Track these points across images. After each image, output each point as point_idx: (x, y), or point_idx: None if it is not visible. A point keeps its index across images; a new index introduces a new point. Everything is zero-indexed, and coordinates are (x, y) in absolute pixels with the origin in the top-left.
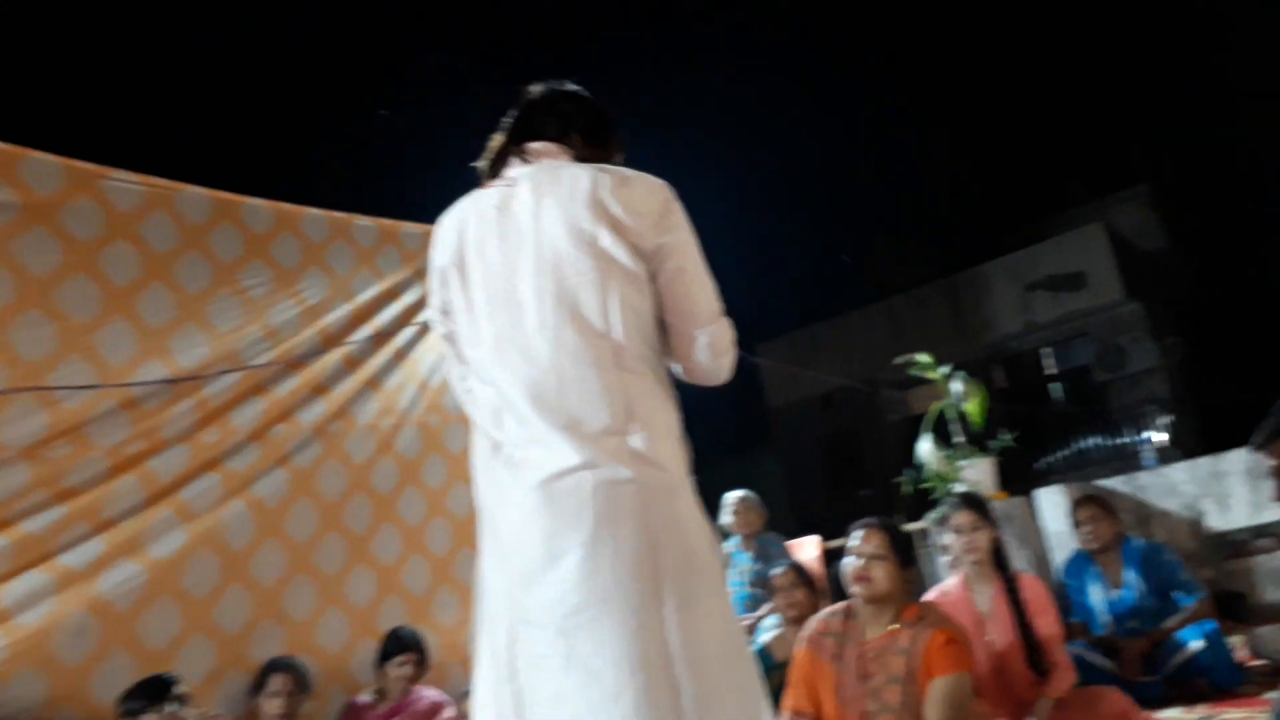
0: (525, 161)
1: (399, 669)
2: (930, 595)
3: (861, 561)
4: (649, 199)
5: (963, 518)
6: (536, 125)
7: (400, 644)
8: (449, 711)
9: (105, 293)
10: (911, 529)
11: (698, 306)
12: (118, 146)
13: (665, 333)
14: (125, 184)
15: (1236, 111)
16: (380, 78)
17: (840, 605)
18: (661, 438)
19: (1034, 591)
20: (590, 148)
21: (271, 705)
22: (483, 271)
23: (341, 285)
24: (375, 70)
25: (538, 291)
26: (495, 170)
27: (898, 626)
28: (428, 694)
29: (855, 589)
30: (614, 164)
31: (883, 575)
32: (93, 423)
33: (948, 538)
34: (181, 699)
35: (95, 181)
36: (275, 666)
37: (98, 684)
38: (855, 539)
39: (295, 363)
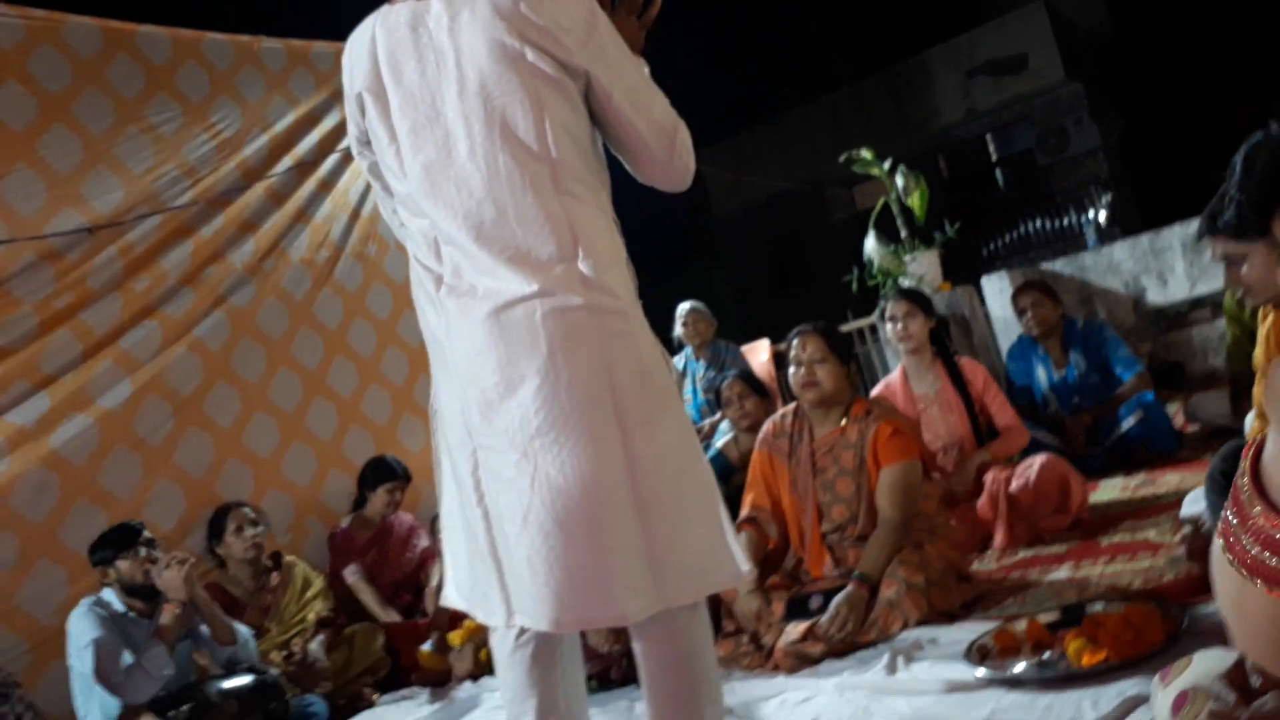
0: None
1: (389, 495)
2: (875, 390)
3: (803, 369)
4: (570, 11)
5: (896, 307)
6: None
7: (390, 472)
8: (423, 536)
9: (2, 139)
10: (861, 325)
11: (649, 122)
12: None
13: (617, 151)
14: (4, 18)
15: None
16: None
17: (790, 407)
18: (608, 264)
19: (975, 372)
20: None
21: (240, 540)
22: (401, 97)
23: (255, 114)
24: None
25: (464, 115)
26: None
27: (846, 423)
28: (404, 518)
29: (804, 395)
30: None
31: (826, 376)
32: (13, 278)
33: (887, 329)
34: (150, 543)
35: None
36: (223, 510)
37: (68, 536)
38: (795, 347)
39: (217, 200)
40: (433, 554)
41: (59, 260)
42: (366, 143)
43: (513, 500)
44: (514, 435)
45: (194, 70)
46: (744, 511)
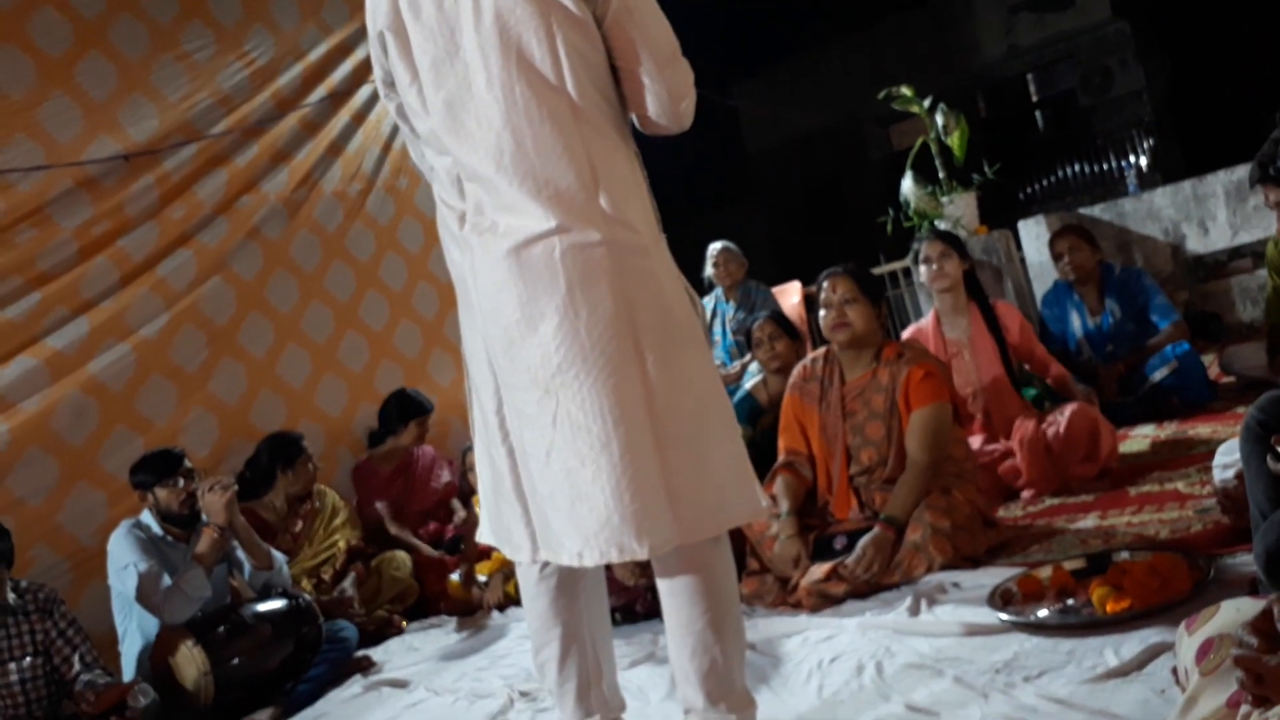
0: None
1: (418, 428)
2: (906, 333)
3: (834, 311)
4: None
5: (930, 248)
6: None
7: (419, 407)
8: (445, 467)
9: (39, 65)
10: (894, 269)
11: (650, 47)
12: None
13: (620, 82)
14: None
15: None
16: None
17: (820, 351)
18: (629, 196)
19: (1011, 317)
20: None
21: (305, 474)
22: (421, 33)
23: (289, 43)
24: None
25: (481, 47)
26: None
27: (877, 366)
28: (427, 450)
29: (835, 336)
30: None
31: (857, 316)
32: (52, 204)
33: (921, 270)
34: (189, 474)
35: None
36: (295, 443)
37: (107, 460)
38: (824, 289)
39: (251, 130)
40: (455, 485)
41: (96, 187)
42: (391, 84)
43: (535, 437)
44: (535, 372)
45: None
46: (781, 457)
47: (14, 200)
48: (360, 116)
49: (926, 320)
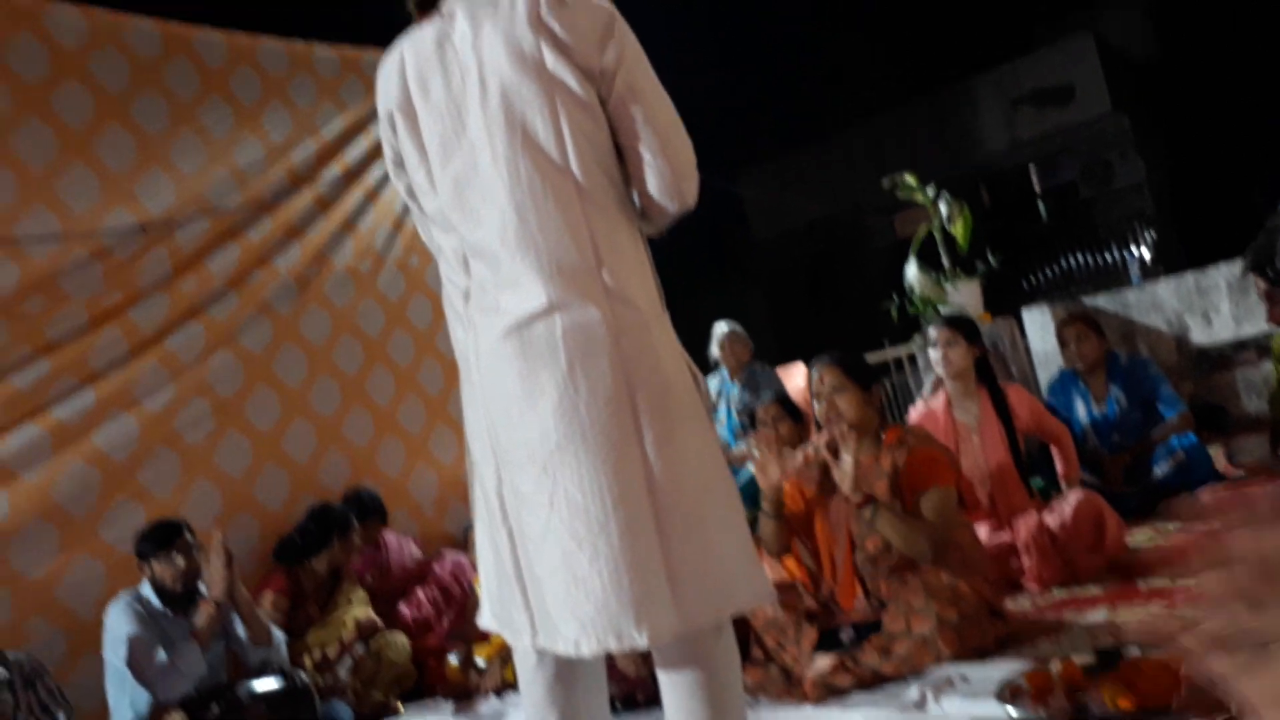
0: None
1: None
2: (913, 415)
3: (824, 402)
4: (589, 18)
5: (940, 334)
6: None
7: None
8: (412, 545)
9: (61, 137)
10: (899, 354)
11: (653, 125)
12: None
13: (624, 160)
14: (68, 18)
15: None
16: None
17: (823, 436)
18: (630, 273)
19: (1021, 402)
20: None
21: (353, 541)
22: (429, 113)
23: (306, 121)
24: None
25: (487, 126)
26: (426, 5)
27: (879, 451)
28: (389, 536)
29: (829, 427)
30: None
31: (847, 404)
32: (65, 274)
33: (931, 354)
34: (185, 548)
35: (36, 16)
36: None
37: (107, 531)
38: (814, 382)
39: (266, 205)
40: (428, 563)
41: (109, 258)
42: (400, 164)
43: (533, 517)
44: (534, 450)
45: (248, 74)
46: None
47: (27, 269)
48: (374, 194)
49: (938, 402)
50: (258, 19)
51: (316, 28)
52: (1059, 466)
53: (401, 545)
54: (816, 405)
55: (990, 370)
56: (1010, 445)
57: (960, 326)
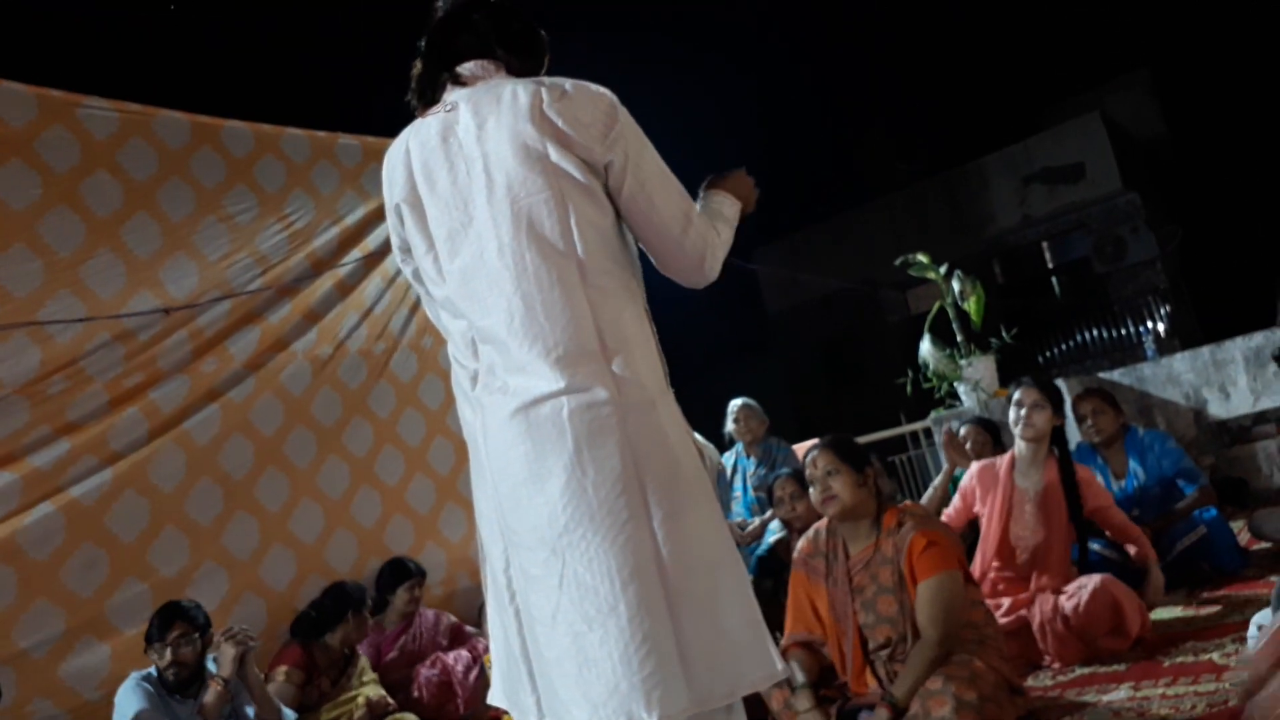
0: (461, 85)
1: (409, 593)
2: (973, 467)
3: (819, 486)
4: (591, 109)
5: (1025, 395)
6: (454, 44)
7: (406, 571)
8: (444, 621)
9: (89, 225)
10: (915, 429)
11: (665, 218)
12: (89, 73)
13: (639, 243)
14: (100, 111)
15: None
16: None
17: (821, 524)
18: (636, 354)
19: (1091, 489)
20: (519, 58)
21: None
22: (436, 205)
23: (327, 207)
24: None
25: (494, 217)
26: (428, 98)
27: (879, 536)
28: (426, 612)
29: (825, 511)
30: (548, 71)
31: (842, 488)
32: (87, 357)
33: (1011, 414)
34: (181, 638)
35: (70, 110)
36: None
37: (114, 614)
38: (808, 466)
39: (286, 288)
40: (462, 631)
41: (131, 340)
42: (408, 251)
43: (541, 599)
44: (542, 532)
45: (272, 163)
46: (790, 632)
47: (51, 352)
48: (391, 278)
49: (1003, 459)
50: (281, 110)
51: (339, 119)
52: (1132, 551)
53: (437, 620)
54: (812, 490)
55: (1065, 443)
56: (1074, 521)
57: (1049, 392)
